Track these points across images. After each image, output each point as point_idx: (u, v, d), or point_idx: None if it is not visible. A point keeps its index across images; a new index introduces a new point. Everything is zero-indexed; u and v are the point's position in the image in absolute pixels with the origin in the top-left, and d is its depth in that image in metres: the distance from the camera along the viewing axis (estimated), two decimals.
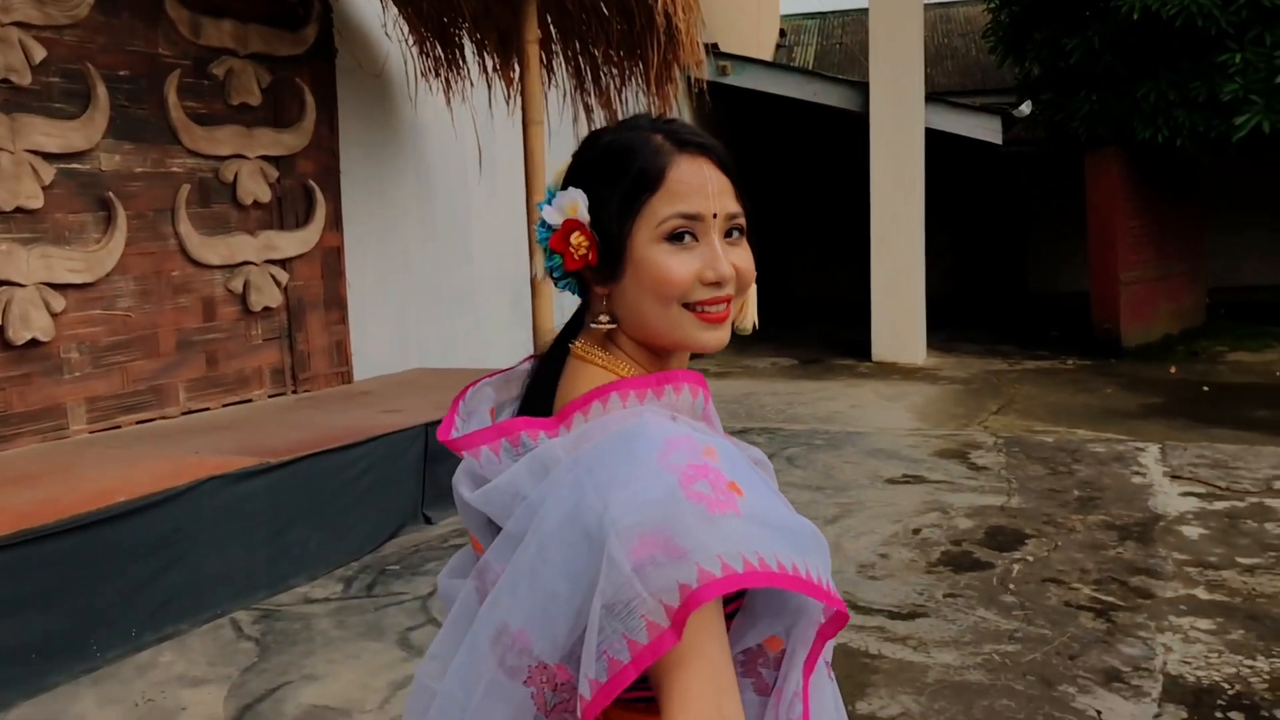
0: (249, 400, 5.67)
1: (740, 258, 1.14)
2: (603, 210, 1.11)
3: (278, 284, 5.83)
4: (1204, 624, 3.66)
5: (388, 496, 4.78)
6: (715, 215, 1.11)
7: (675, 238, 1.10)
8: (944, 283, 14.82)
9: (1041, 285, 16.35)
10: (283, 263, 5.87)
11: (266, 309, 5.77)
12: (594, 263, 1.11)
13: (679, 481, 0.95)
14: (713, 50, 10.95)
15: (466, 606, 1.08)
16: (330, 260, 6.19)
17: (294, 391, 5.95)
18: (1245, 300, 13.41)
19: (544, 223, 1.13)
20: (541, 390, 1.15)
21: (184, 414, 5.28)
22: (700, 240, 1.11)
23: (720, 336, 1.12)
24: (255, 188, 5.66)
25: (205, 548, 3.90)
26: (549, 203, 1.13)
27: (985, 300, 15.36)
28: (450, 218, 7.35)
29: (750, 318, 1.21)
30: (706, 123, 11.57)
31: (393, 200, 6.82)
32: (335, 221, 6.23)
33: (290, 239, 5.88)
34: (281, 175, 5.85)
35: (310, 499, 4.36)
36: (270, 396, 5.81)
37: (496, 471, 1.07)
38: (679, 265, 1.09)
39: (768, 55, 15.35)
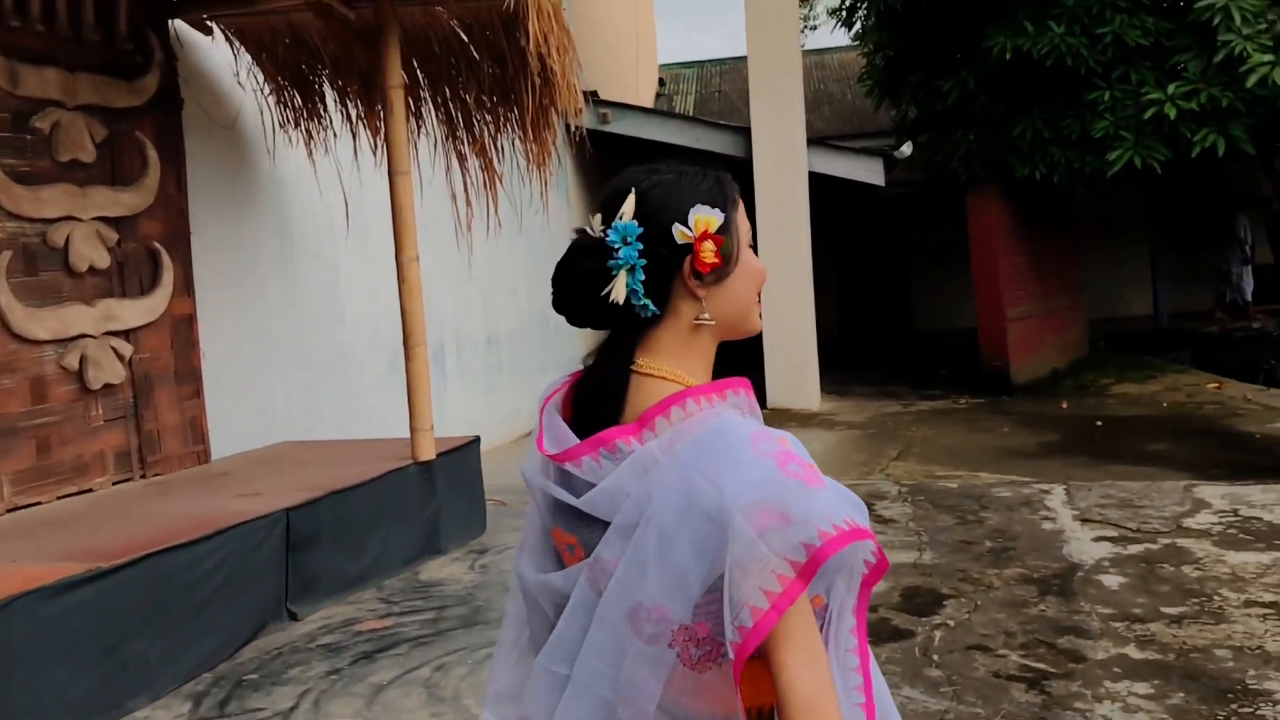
0: (89, 490, 5.06)
1: None
2: (722, 227, 1.31)
3: (120, 357, 5.25)
4: (1141, 688, 3.41)
5: (244, 594, 4.25)
6: None
7: (752, 246, 1.39)
8: (830, 324, 14.82)
9: (926, 323, 16.51)
10: (126, 334, 5.30)
11: (108, 386, 5.17)
12: (720, 265, 1.29)
13: (776, 465, 1.18)
14: (592, 98, 10.71)
15: (582, 598, 1.24)
16: (181, 329, 5.64)
17: (143, 476, 5.35)
18: (1122, 330, 13.71)
19: (636, 243, 1.28)
20: (610, 404, 1.28)
21: (9, 510, 4.66)
22: None
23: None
24: (91, 252, 5.10)
25: (21, 674, 3.33)
26: (617, 231, 1.28)
27: (872, 340, 15.40)
28: (317, 279, 6.85)
29: None
30: (589, 172, 11.31)
31: (252, 262, 6.30)
32: (186, 287, 5.68)
33: (133, 308, 5.32)
34: (122, 238, 5.30)
35: (152, 605, 3.82)
36: (115, 483, 5.20)
37: (600, 476, 1.24)
38: (762, 264, 1.39)
39: (648, 104, 15.22)
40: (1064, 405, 9.51)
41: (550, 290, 1.36)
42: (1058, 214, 11.83)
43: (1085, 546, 5.03)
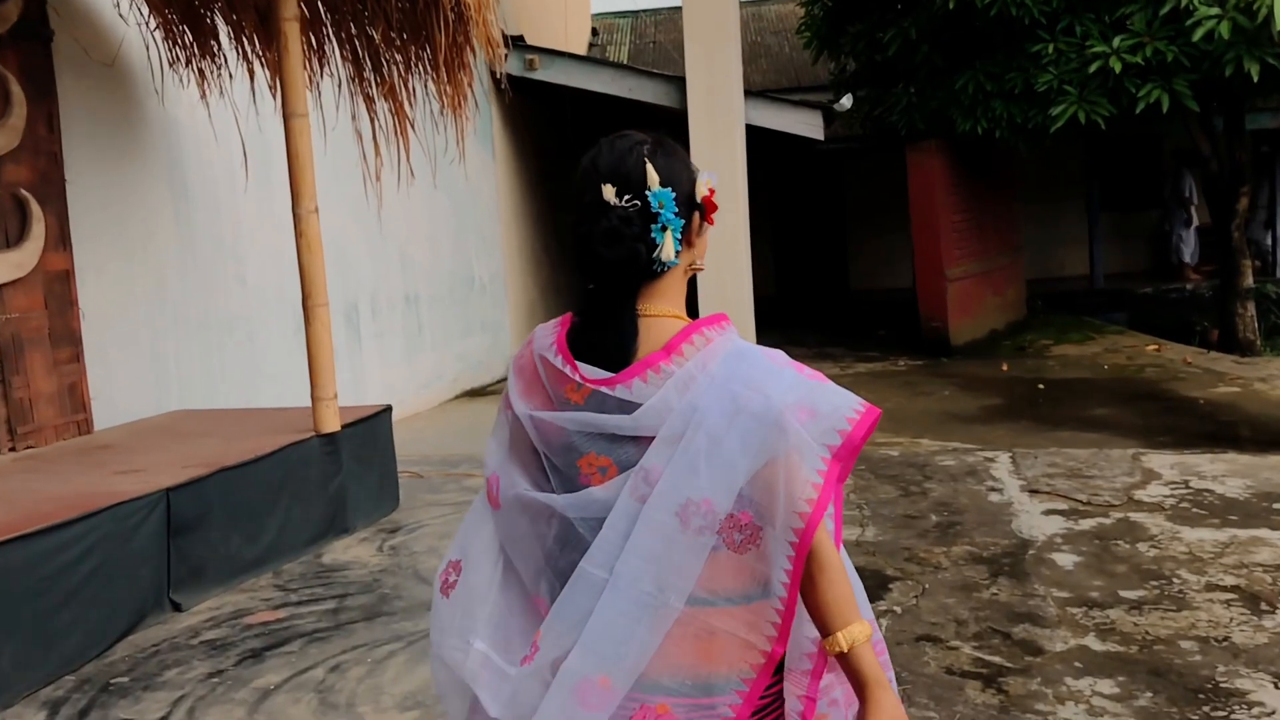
0: None
1: None
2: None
3: None
4: (1105, 686, 3.12)
5: (116, 585, 3.79)
6: None
7: None
8: (767, 284, 14.50)
9: (862, 283, 16.28)
10: None
11: None
12: (711, 223, 1.56)
13: (796, 371, 1.46)
14: (518, 42, 10.16)
15: (625, 507, 1.42)
16: (56, 287, 5.10)
17: (12, 449, 4.83)
18: (1059, 290, 13.59)
19: (672, 206, 1.47)
20: (627, 344, 1.47)
21: None
22: None
23: None
24: None
25: None
26: (655, 197, 1.46)
27: (808, 300, 15.12)
28: (215, 232, 6.30)
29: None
30: (516, 123, 10.78)
31: (140, 213, 5.74)
32: (61, 240, 5.13)
33: None
34: None
35: (2, 600, 3.35)
36: None
37: (645, 395, 1.43)
38: None
39: (580, 53, 14.65)
40: (1004, 367, 9.30)
41: (581, 251, 1.48)
42: (998, 170, 11.59)
43: (1035, 521, 4.76)
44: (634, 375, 1.44)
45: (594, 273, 1.47)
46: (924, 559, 4.31)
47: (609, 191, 1.46)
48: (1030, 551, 4.35)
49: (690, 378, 1.42)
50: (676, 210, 1.47)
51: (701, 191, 1.52)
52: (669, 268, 1.49)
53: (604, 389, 1.45)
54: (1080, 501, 5.02)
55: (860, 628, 1.41)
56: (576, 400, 1.47)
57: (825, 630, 1.43)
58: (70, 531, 3.62)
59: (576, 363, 1.48)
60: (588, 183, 1.49)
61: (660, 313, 1.49)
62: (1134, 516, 4.76)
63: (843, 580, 1.43)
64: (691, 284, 1.59)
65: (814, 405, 1.41)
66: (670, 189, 1.47)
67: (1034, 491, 5.23)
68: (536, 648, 1.45)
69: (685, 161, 1.53)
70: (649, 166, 1.47)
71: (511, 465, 1.56)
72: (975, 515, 4.88)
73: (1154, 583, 3.93)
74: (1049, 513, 4.88)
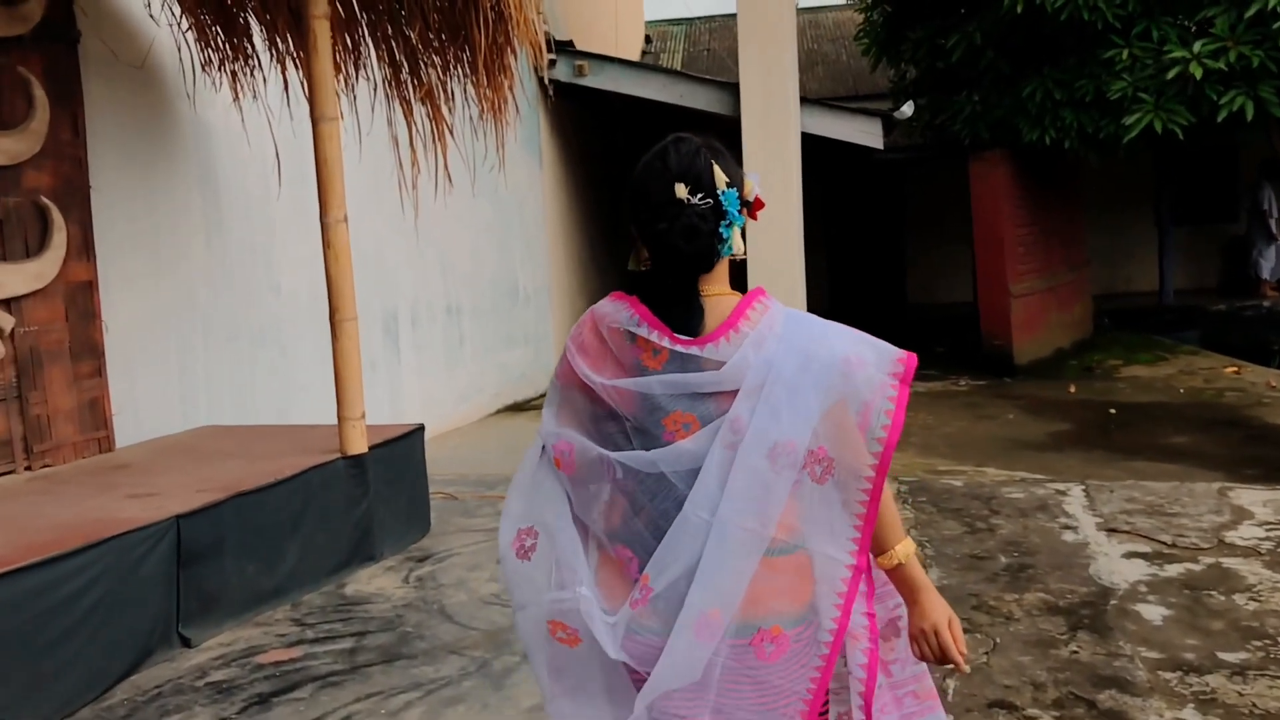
0: None
1: None
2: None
3: (0, 330, 4.51)
4: None
5: (118, 621, 3.53)
6: None
7: None
8: (820, 296, 14.08)
9: (920, 296, 15.79)
10: (7, 303, 4.56)
11: None
12: (756, 219, 1.75)
13: (844, 330, 1.68)
14: (567, 48, 9.90)
15: (719, 457, 1.59)
16: (78, 298, 4.89)
17: (28, 468, 4.63)
18: (1126, 307, 13.02)
19: (738, 205, 1.67)
20: (697, 318, 1.65)
21: None
22: None
23: None
24: None
25: None
26: (727, 198, 1.65)
27: (865, 314, 14.66)
28: (248, 240, 6.09)
29: None
30: (565, 130, 10.52)
31: (169, 221, 5.53)
32: (85, 249, 4.93)
33: (16, 273, 4.58)
34: (3, 191, 4.55)
35: None
36: None
37: (727, 354, 1.62)
38: None
39: (633, 59, 14.38)
40: (1072, 389, 8.82)
41: (658, 244, 1.65)
42: (1065, 182, 11.09)
43: (1115, 565, 4.35)
44: (719, 336, 1.64)
45: (670, 262, 1.65)
46: (994, 607, 3.92)
47: (682, 190, 1.63)
48: (1112, 601, 3.94)
49: (762, 338, 1.63)
50: (738, 209, 1.67)
51: (751, 192, 1.71)
52: (724, 256, 1.68)
53: (693, 349, 1.63)
54: (1164, 543, 4.60)
55: (908, 544, 1.70)
56: (654, 366, 1.65)
57: (880, 548, 1.69)
58: (69, 564, 3.37)
59: (669, 330, 1.65)
60: (658, 181, 1.65)
61: (717, 292, 1.68)
62: (1226, 562, 4.33)
63: (891, 505, 1.69)
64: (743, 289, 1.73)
65: (864, 355, 1.64)
66: (735, 189, 1.66)
67: (1112, 530, 4.82)
68: (649, 589, 1.61)
69: (735, 164, 1.70)
70: (716, 168, 1.64)
71: (576, 432, 1.72)
72: (1048, 557, 4.48)
73: (1256, 643, 3.51)
74: (1130, 555, 4.47)
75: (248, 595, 4.09)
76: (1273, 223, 13.39)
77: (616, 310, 1.70)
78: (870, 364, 1.63)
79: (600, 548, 1.69)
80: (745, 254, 1.70)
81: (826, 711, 1.69)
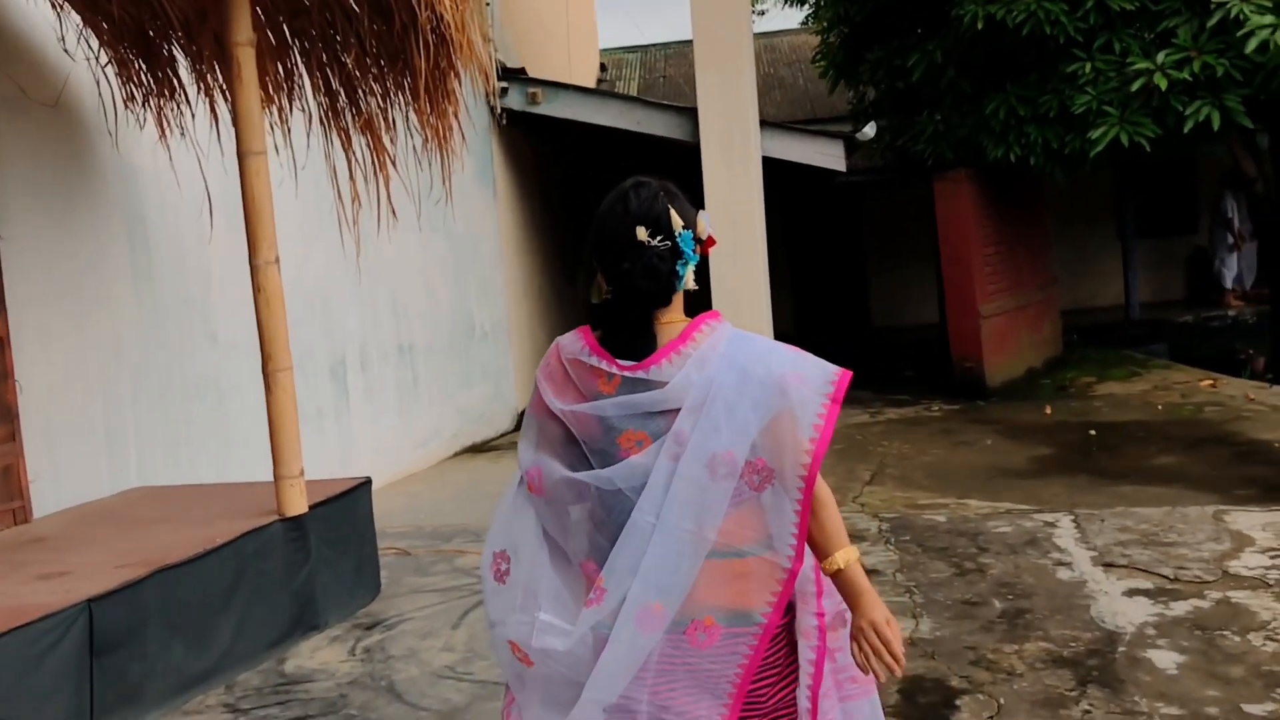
0: None
1: None
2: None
3: None
4: None
5: None
6: None
7: None
8: (784, 321, 13.83)
9: (884, 319, 15.59)
10: None
11: None
12: (707, 254, 1.89)
13: (784, 347, 1.81)
14: (519, 76, 9.61)
15: (664, 467, 1.72)
16: None
17: None
18: (1094, 323, 12.87)
19: (693, 245, 1.82)
20: (649, 344, 1.79)
21: None
22: None
23: None
24: None
25: None
26: (684, 240, 1.80)
27: (830, 338, 14.40)
28: (181, 287, 5.70)
29: None
30: (520, 160, 10.22)
31: (92, 269, 5.14)
32: None
33: None
34: None
35: None
36: None
37: (670, 374, 1.76)
38: None
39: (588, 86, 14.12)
40: (1048, 410, 8.58)
41: (620, 283, 1.80)
42: (1031, 199, 10.93)
43: (1117, 605, 4.06)
44: (661, 358, 1.77)
45: (631, 298, 1.79)
46: (994, 662, 3.61)
47: (643, 233, 1.78)
48: (1120, 648, 3.65)
49: (705, 357, 1.76)
50: (693, 248, 1.82)
51: (704, 231, 1.85)
52: (678, 290, 1.83)
53: (638, 373, 1.77)
54: (1166, 577, 4.32)
55: (849, 551, 1.80)
56: (608, 391, 1.79)
57: (823, 554, 1.80)
58: None
59: (613, 357, 1.80)
60: (620, 225, 1.80)
61: (670, 320, 1.83)
62: (1234, 596, 4.06)
63: (834, 513, 1.81)
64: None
65: (803, 372, 1.77)
66: (690, 230, 1.81)
67: (1109, 565, 4.54)
68: (603, 590, 1.74)
69: (689, 204, 1.85)
70: (673, 212, 1.80)
71: (547, 456, 1.86)
72: (1045, 599, 4.19)
73: None
74: (1132, 593, 4.18)
75: (175, 681, 3.70)
76: (1237, 232, 13.33)
77: (574, 341, 1.86)
78: (807, 380, 1.75)
79: (570, 564, 1.84)
80: (695, 286, 1.84)
81: (763, 689, 1.80)
